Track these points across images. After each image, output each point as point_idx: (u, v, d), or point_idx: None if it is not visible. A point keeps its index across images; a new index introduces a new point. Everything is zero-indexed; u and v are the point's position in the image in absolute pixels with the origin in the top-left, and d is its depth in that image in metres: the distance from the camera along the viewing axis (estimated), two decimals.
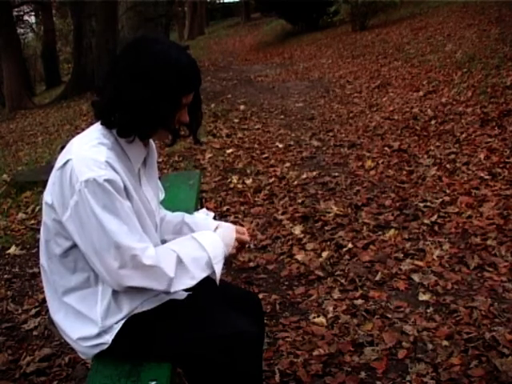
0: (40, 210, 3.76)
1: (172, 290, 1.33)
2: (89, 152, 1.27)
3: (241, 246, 1.54)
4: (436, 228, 3.18)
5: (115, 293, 1.36)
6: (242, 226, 3.52)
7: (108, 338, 1.37)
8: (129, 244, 1.25)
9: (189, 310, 1.44)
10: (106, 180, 1.24)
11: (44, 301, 2.72)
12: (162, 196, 1.72)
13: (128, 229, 1.26)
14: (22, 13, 19.23)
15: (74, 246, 1.32)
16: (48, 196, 1.33)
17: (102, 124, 1.34)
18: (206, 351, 1.40)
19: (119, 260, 1.25)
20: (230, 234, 1.49)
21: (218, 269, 1.39)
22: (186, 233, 1.58)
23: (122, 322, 1.38)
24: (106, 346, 1.38)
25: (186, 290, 1.49)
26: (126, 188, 1.30)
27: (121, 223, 1.25)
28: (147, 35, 1.34)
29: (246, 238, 1.54)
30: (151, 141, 1.49)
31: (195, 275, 1.35)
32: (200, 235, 1.43)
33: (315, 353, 2.17)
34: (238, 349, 1.41)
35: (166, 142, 1.51)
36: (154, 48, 1.28)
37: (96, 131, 1.35)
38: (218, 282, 1.40)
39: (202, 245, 1.38)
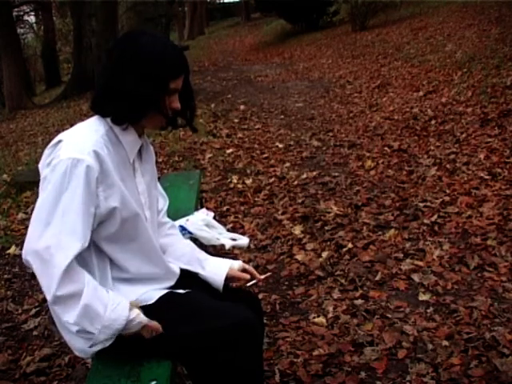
0: None
1: (50, 298, 1.23)
2: (80, 137, 1.33)
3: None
4: (436, 228, 3.18)
5: (112, 290, 1.36)
6: (242, 225, 3.55)
7: None
8: (56, 234, 1.23)
9: (188, 304, 1.45)
10: (86, 166, 1.26)
11: (44, 301, 2.72)
12: (166, 204, 1.71)
13: (69, 220, 1.24)
14: (21, 13, 19.24)
15: None
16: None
17: (96, 113, 1.41)
18: (206, 344, 1.40)
19: (43, 240, 1.22)
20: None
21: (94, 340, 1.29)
22: (196, 268, 1.61)
23: None
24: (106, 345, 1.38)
25: (184, 288, 1.50)
26: (108, 175, 1.31)
27: (67, 210, 1.24)
28: (135, 30, 1.44)
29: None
30: (146, 137, 1.52)
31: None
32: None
33: (315, 353, 2.16)
34: (239, 337, 1.40)
35: (161, 129, 1.52)
36: (141, 39, 1.36)
37: (93, 120, 1.41)
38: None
39: (110, 308, 1.29)
